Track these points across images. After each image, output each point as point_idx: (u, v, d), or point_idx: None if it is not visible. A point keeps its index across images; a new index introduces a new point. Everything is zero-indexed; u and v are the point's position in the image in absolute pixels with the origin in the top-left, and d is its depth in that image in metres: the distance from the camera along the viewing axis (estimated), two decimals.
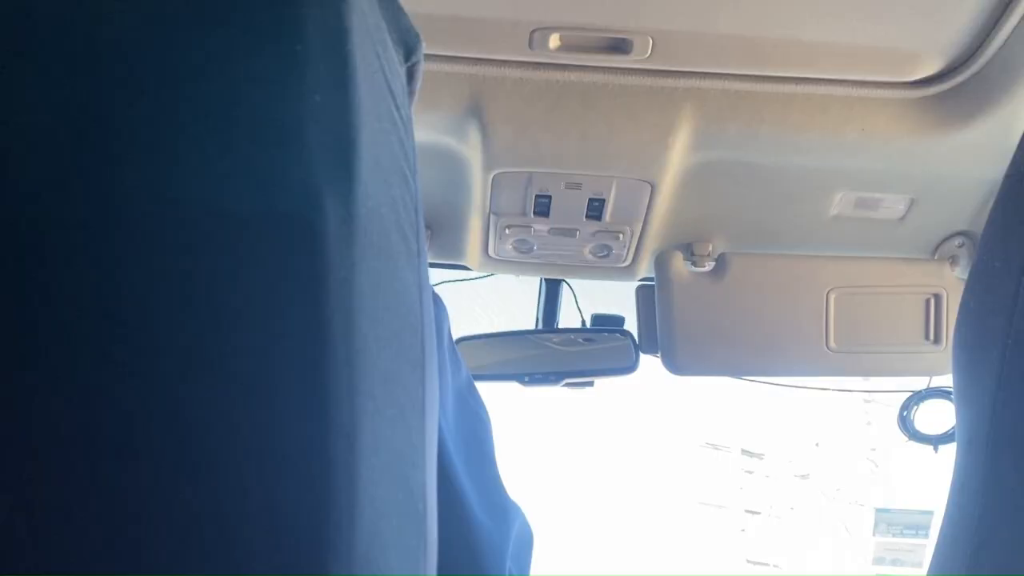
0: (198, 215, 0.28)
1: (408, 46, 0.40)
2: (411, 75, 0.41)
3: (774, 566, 9.37)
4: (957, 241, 1.10)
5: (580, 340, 1.31)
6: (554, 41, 0.85)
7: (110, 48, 0.29)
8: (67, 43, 0.29)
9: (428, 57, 0.89)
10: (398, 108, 0.37)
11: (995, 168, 0.91)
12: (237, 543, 0.27)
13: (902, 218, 1.08)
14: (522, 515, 0.71)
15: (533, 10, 0.82)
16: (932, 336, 1.11)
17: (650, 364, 1.23)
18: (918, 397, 1.58)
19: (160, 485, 0.27)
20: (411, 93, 0.41)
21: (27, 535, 0.26)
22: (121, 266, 0.28)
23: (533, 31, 0.84)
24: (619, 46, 0.85)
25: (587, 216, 1.06)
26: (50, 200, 0.27)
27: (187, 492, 0.27)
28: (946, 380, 1.33)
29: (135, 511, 0.26)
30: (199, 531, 0.27)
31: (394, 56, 0.38)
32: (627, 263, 1.16)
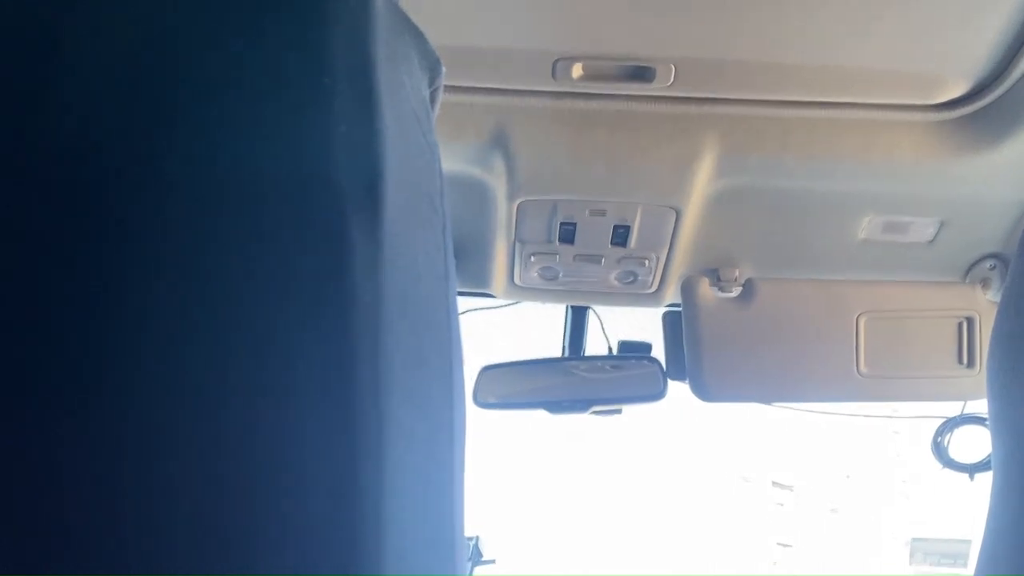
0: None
1: (431, 71, 0.41)
2: (432, 99, 0.41)
3: None
4: (988, 263, 1.08)
5: (607, 367, 1.30)
6: (577, 71, 0.86)
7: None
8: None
9: (453, 88, 0.90)
10: (424, 135, 0.37)
11: None
12: (263, 564, 0.27)
13: (932, 241, 1.07)
14: None
15: (556, 40, 0.83)
16: (965, 360, 1.10)
17: (678, 391, 1.22)
18: (952, 424, 1.55)
19: (184, 503, 0.27)
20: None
21: (46, 546, 0.26)
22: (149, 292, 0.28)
23: (556, 61, 0.85)
24: (642, 74, 0.86)
25: (612, 243, 1.06)
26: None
27: (211, 512, 0.27)
28: (980, 406, 1.30)
29: (160, 526, 0.26)
30: (224, 552, 0.27)
31: (420, 84, 0.39)
32: (653, 289, 1.15)
